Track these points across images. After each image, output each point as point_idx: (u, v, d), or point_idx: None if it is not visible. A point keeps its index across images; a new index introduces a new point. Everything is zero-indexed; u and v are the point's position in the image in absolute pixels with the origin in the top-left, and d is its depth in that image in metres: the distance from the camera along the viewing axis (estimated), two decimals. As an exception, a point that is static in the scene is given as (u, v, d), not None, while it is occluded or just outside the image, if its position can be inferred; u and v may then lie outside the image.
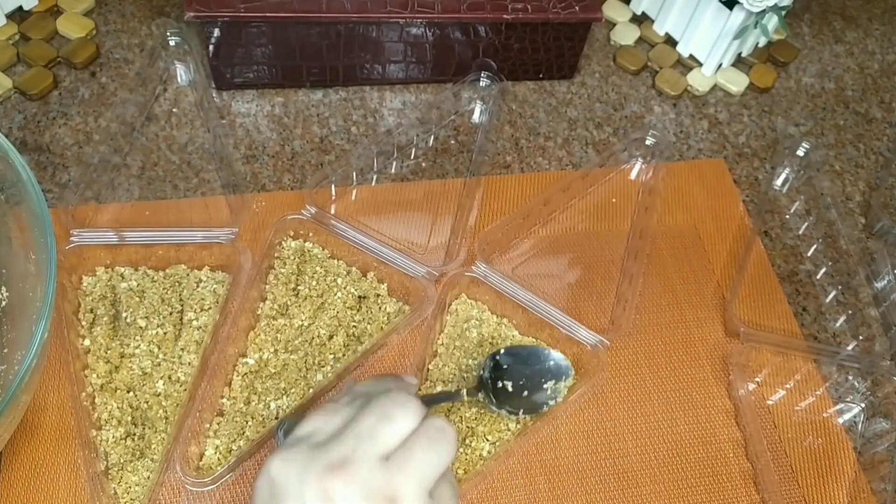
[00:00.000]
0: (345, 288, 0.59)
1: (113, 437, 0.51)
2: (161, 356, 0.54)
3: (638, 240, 0.64)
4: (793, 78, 0.81)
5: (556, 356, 0.55)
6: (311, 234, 0.60)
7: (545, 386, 0.54)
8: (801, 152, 0.71)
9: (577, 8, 0.69)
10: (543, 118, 0.73)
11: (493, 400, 0.53)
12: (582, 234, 0.65)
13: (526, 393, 0.53)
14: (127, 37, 0.72)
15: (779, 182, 0.71)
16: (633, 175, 0.69)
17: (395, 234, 0.62)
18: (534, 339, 0.59)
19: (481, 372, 0.54)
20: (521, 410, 0.53)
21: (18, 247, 0.47)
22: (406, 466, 0.37)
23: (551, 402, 0.54)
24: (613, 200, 0.67)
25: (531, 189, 0.67)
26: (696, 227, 0.67)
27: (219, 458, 0.51)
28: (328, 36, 0.67)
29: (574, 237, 0.65)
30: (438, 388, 0.56)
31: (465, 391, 0.52)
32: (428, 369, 0.57)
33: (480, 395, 0.53)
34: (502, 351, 0.54)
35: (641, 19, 0.81)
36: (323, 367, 0.55)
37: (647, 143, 0.68)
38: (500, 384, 0.53)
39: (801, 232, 0.69)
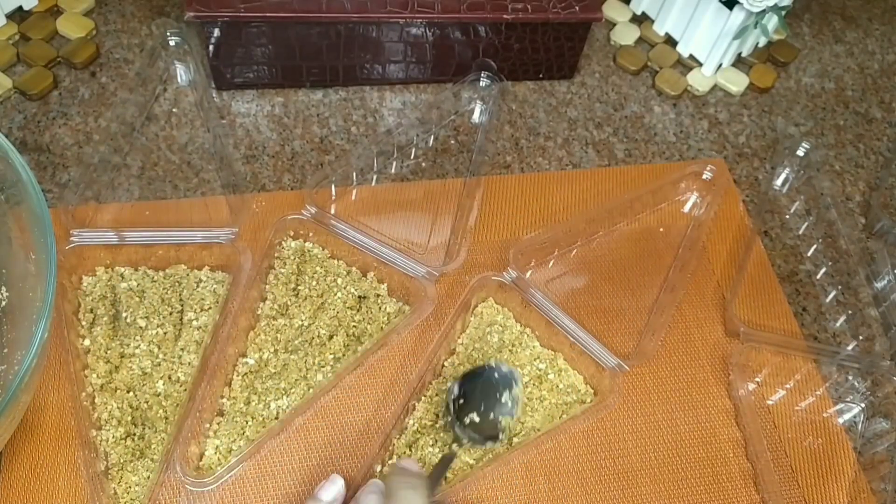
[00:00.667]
0: (345, 288, 0.59)
1: (113, 437, 0.51)
2: (161, 356, 0.54)
3: (678, 272, 0.63)
4: (793, 78, 0.81)
5: (499, 366, 0.53)
6: (311, 234, 0.60)
7: (503, 400, 0.52)
8: (801, 152, 0.71)
9: (577, 8, 0.69)
10: (543, 118, 0.73)
11: (477, 437, 0.51)
12: (622, 258, 0.65)
13: (491, 415, 0.52)
14: (127, 37, 0.72)
15: (779, 182, 0.71)
16: (685, 208, 0.68)
17: (395, 234, 0.62)
18: (552, 352, 0.59)
19: (452, 425, 0.52)
20: (501, 433, 0.52)
21: (18, 247, 0.47)
22: None
23: (515, 413, 0.52)
24: (661, 230, 0.66)
25: (531, 189, 0.67)
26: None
27: (219, 459, 0.51)
28: (328, 36, 0.67)
29: (613, 261, 0.64)
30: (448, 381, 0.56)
31: (457, 449, 0.51)
32: (443, 366, 0.57)
33: (466, 441, 0.52)
34: (455, 388, 0.52)
35: (641, 19, 0.81)
36: (323, 367, 0.55)
37: (704, 177, 0.67)
38: (467, 420, 0.52)
39: (801, 232, 0.69)
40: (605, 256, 0.65)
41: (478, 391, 0.52)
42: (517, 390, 0.52)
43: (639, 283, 0.63)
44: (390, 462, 0.53)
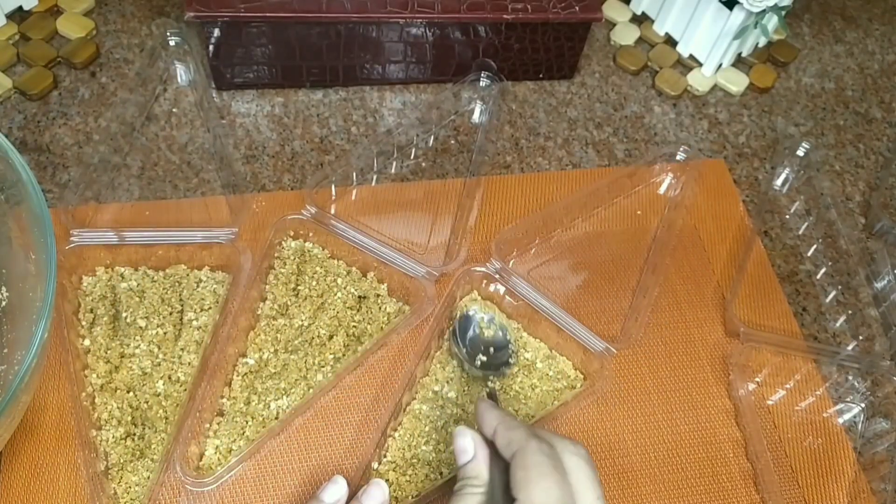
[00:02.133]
0: (345, 288, 0.59)
1: (113, 437, 0.51)
2: (161, 356, 0.54)
3: (657, 254, 0.64)
4: (793, 78, 0.81)
5: (470, 308, 0.58)
6: (311, 234, 0.60)
7: (492, 332, 0.58)
8: (801, 152, 0.71)
9: (577, 8, 0.69)
10: (543, 118, 0.73)
11: (495, 370, 0.56)
12: (602, 243, 0.65)
13: (492, 348, 0.57)
14: (127, 37, 0.72)
15: (779, 182, 0.71)
16: (661, 189, 0.69)
17: (395, 234, 0.62)
18: (539, 340, 0.59)
19: (471, 372, 0.56)
20: (510, 357, 0.57)
21: (18, 247, 0.47)
22: None
23: (509, 335, 0.57)
24: (639, 212, 0.67)
25: (531, 189, 0.67)
26: (696, 227, 0.67)
27: (219, 459, 0.51)
28: (328, 36, 0.67)
29: (593, 245, 0.65)
30: (438, 377, 0.56)
31: (492, 385, 0.55)
32: (433, 360, 0.57)
33: (491, 377, 0.56)
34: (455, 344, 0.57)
35: (641, 19, 0.81)
36: (323, 367, 0.55)
37: (678, 158, 0.68)
38: (478, 363, 0.56)
39: (801, 232, 0.69)
40: (585, 242, 0.65)
41: (472, 337, 0.57)
42: (497, 318, 0.58)
43: (620, 266, 0.64)
44: (385, 458, 0.53)
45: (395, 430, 0.54)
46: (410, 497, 0.51)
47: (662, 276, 0.63)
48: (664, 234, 0.65)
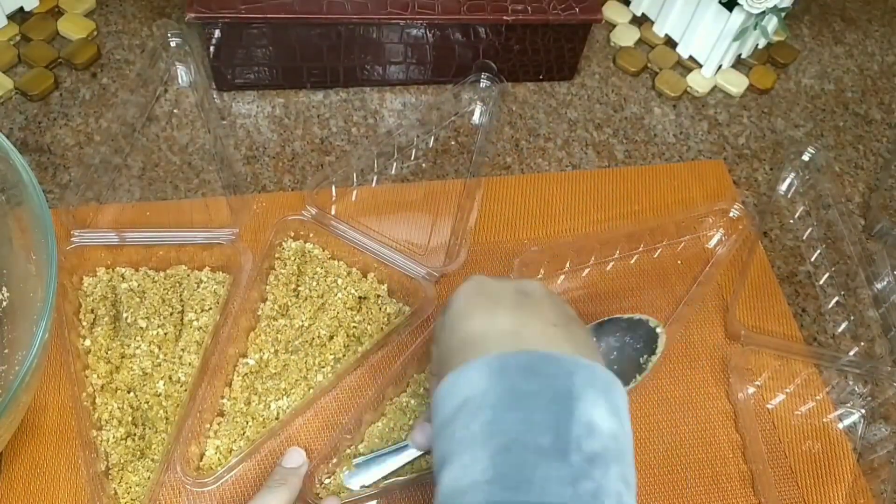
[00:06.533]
0: (345, 289, 0.59)
1: (113, 437, 0.51)
2: (161, 356, 0.54)
3: (686, 307, 0.62)
4: (792, 79, 0.81)
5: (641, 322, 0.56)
6: (311, 235, 0.60)
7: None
8: (806, 157, 0.70)
9: (577, 9, 0.69)
10: (543, 119, 0.73)
11: None
12: (634, 285, 0.63)
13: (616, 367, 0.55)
14: (128, 38, 0.73)
15: (783, 187, 0.71)
16: (710, 244, 0.66)
17: (395, 235, 0.63)
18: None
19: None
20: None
21: (19, 247, 0.48)
22: None
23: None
24: (679, 262, 0.65)
25: (531, 190, 0.67)
26: (696, 229, 0.67)
27: (219, 459, 0.51)
28: (329, 37, 0.67)
29: (624, 287, 0.63)
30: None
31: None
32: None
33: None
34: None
35: (641, 21, 0.82)
36: (323, 367, 0.55)
37: (731, 215, 0.66)
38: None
39: (800, 233, 0.69)
40: (616, 281, 0.63)
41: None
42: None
43: (645, 313, 0.60)
44: (360, 447, 0.53)
45: (377, 420, 0.54)
46: (376, 487, 0.51)
47: (683, 328, 0.61)
48: (699, 289, 0.63)
